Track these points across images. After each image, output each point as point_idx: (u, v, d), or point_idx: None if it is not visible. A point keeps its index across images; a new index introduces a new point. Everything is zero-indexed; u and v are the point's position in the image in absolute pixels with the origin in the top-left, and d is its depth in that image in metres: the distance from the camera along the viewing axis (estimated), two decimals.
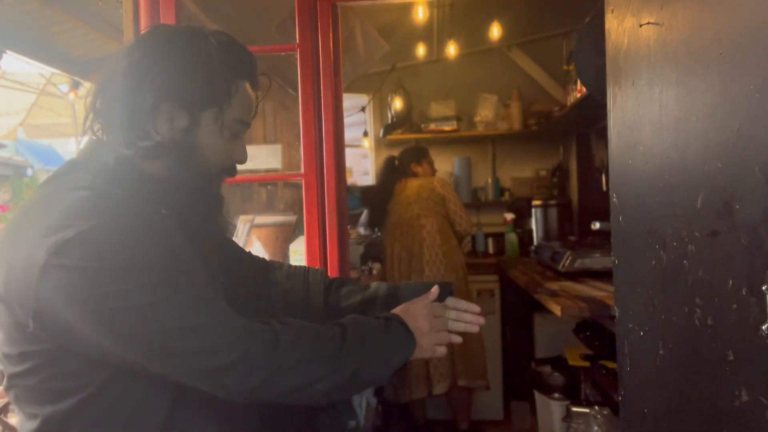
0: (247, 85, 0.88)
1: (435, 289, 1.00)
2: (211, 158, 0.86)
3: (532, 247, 2.99)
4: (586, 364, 2.03)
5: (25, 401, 0.77)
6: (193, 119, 0.83)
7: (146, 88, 0.79)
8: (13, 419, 3.78)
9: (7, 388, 0.78)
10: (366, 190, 3.30)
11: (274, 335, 0.77)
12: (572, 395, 2.29)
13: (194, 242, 0.82)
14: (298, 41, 1.68)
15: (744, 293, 0.59)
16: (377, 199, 3.10)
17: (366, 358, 0.84)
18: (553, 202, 3.52)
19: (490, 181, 3.84)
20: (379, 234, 3.06)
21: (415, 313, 0.94)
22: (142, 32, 0.86)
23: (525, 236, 3.50)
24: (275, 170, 1.93)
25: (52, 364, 0.74)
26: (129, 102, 0.79)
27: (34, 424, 0.75)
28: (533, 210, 3.42)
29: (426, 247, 2.82)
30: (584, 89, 2.60)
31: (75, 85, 5.27)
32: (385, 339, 0.88)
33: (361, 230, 3.17)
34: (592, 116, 3.00)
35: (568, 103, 3.09)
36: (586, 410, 1.86)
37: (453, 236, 2.91)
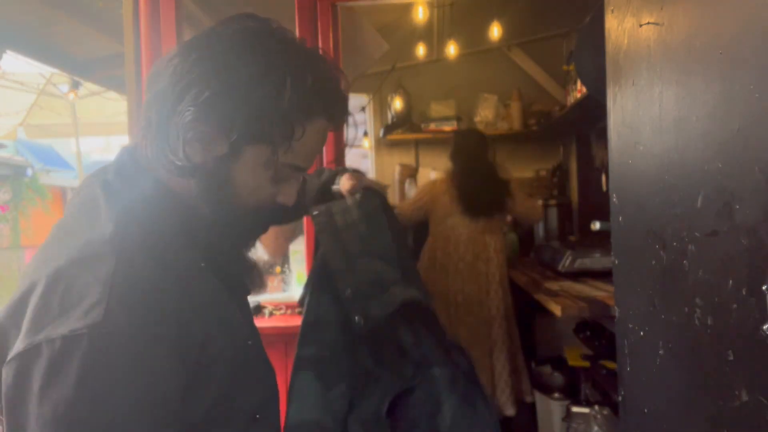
0: (321, 127, 0.72)
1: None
2: (245, 197, 0.71)
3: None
4: (586, 364, 2.03)
5: None
6: (234, 150, 0.67)
7: (186, 102, 0.65)
8: None
9: None
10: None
11: None
12: (572, 395, 2.30)
13: (230, 287, 0.71)
14: None
15: (744, 293, 0.59)
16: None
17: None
18: (553, 202, 3.52)
19: None
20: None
21: None
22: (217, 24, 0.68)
23: (525, 236, 3.50)
24: None
25: None
26: (164, 112, 0.66)
27: None
28: None
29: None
30: (584, 89, 2.60)
31: (75, 85, 5.27)
32: None
33: None
34: (592, 116, 3.00)
35: (568, 103, 3.09)
36: (586, 410, 1.86)
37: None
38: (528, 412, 2.65)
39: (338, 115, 0.73)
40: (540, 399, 2.52)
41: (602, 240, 2.39)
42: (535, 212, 2.88)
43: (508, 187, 2.69)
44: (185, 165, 0.67)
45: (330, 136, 1.66)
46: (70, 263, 0.60)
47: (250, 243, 0.80)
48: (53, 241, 0.67)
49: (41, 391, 0.55)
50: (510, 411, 2.61)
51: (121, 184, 0.69)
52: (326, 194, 1.11)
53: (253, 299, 1.75)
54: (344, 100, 0.73)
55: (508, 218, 2.92)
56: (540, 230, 3.53)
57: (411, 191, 3.60)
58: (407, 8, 3.07)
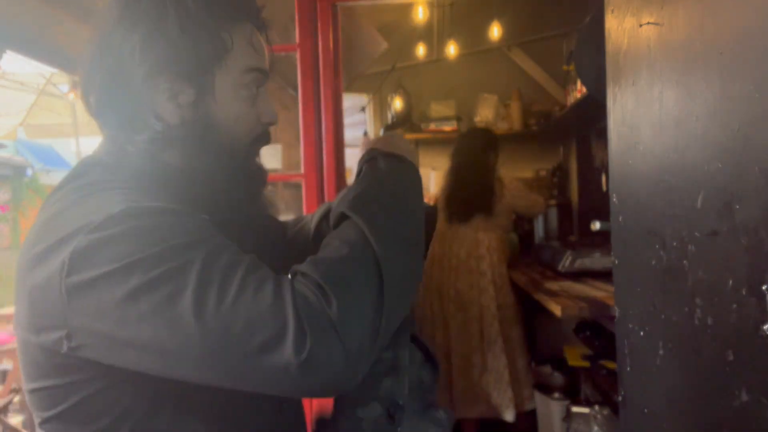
0: (247, 27, 0.71)
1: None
2: (236, 129, 0.70)
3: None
4: (586, 364, 2.03)
5: None
6: (199, 89, 0.67)
7: (128, 68, 0.64)
8: (14, 419, 3.77)
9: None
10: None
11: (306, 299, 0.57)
12: (572, 395, 2.30)
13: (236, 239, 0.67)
14: (298, 41, 1.67)
15: (744, 293, 0.59)
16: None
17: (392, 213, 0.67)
18: (553, 202, 3.52)
19: None
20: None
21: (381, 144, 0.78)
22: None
23: (525, 236, 3.50)
24: (275, 170, 1.93)
25: (82, 395, 0.63)
26: (113, 90, 0.66)
27: None
28: None
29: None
30: (584, 89, 2.60)
31: (75, 85, 5.28)
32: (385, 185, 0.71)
33: None
34: (592, 116, 3.00)
35: (568, 103, 3.09)
36: (586, 410, 1.86)
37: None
38: (528, 412, 2.64)
39: (250, 9, 0.72)
40: (540, 399, 2.52)
41: (602, 240, 2.39)
42: (536, 206, 2.89)
43: (490, 188, 2.69)
44: (157, 133, 0.66)
45: (330, 136, 1.66)
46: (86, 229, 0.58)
47: (262, 181, 0.78)
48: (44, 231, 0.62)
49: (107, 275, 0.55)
50: (509, 416, 2.57)
51: (113, 172, 0.67)
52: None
53: None
54: (243, 6, 0.71)
55: (513, 216, 2.91)
56: (540, 230, 3.53)
57: None
58: (407, 8, 3.07)
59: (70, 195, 0.64)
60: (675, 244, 0.75)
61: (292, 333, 0.53)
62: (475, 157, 2.74)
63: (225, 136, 0.70)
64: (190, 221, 0.60)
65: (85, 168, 0.69)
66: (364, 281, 0.59)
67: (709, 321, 0.68)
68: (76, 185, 0.65)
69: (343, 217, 0.67)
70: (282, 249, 0.94)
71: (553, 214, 3.51)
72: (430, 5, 3.09)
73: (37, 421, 0.67)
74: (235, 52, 0.68)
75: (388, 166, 0.73)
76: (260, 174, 0.77)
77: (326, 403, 0.79)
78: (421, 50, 3.46)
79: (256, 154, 0.76)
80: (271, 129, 0.78)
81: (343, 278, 0.58)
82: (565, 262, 2.16)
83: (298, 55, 1.68)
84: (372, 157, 0.75)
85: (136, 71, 0.64)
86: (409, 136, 3.72)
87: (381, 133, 3.83)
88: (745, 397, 0.60)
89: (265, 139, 0.76)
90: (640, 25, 0.84)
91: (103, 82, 0.67)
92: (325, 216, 0.91)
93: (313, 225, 0.95)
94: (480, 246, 2.71)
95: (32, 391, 0.65)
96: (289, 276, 0.59)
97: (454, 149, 2.85)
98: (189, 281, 0.54)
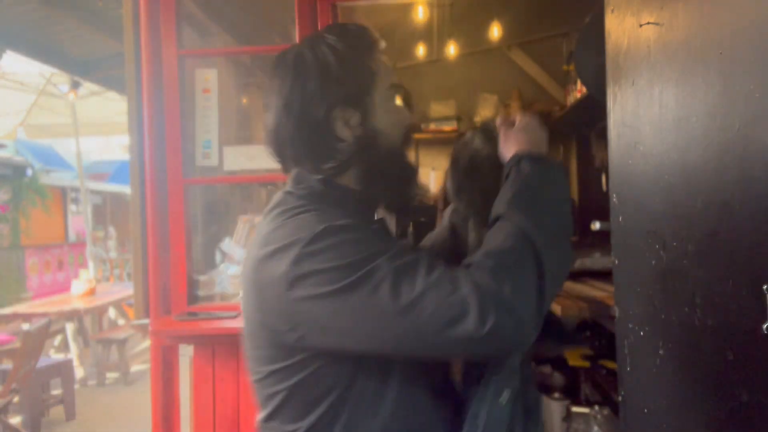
0: (379, 54, 0.91)
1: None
2: (392, 133, 0.89)
3: None
4: (586, 364, 2.03)
5: (282, 420, 0.82)
6: (363, 109, 0.86)
7: (312, 111, 0.84)
8: (13, 419, 3.76)
9: (265, 419, 0.83)
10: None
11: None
12: (572, 395, 2.29)
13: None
14: (298, 41, 1.68)
15: (744, 293, 0.60)
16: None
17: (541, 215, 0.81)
18: None
19: None
20: None
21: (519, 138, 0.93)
22: (276, 68, 0.89)
23: None
24: (275, 170, 1.92)
25: (307, 374, 0.78)
26: (304, 131, 0.85)
27: None
28: None
29: None
30: (584, 89, 2.60)
31: (75, 85, 5.28)
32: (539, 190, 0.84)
33: None
34: (592, 116, 3.00)
35: (568, 103, 3.09)
36: (586, 410, 1.86)
37: None
38: None
39: (374, 42, 0.90)
40: None
41: (602, 240, 2.39)
42: None
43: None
44: (340, 163, 0.85)
45: None
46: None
47: (416, 173, 0.94)
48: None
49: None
50: None
51: (301, 198, 0.85)
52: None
53: None
54: (368, 32, 0.90)
55: None
56: None
57: None
58: (407, 8, 3.07)
59: (276, 219, 0.82)
60: (675, 244, 0.75)
61: (474, 311, 0.69)
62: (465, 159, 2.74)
63: (386, 140, 0.88)
64: (373, 233, 0.80)
65: (282, 198, 0.88)
66: (528, 267, 0.75)
67: (709, 321, 0.68)
68: (278, 212, 0.84)
69: (499, 218, 0.82)
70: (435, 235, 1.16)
71: None
72: (430, 5, 3.09)
73: (261, 401, 0.84)
74: (380, 74, 0.88)
75: (532, 168, 0.87)
76: (414, 170, 0.95)
77: None
78: (421, 50, 3.46)
79: (408, 151, 0.95)
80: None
81: (510, 266, 0.74)
82: None
83: None
84: (517, 161, 0.89)
85: (318, 111, 0.84)
86: None
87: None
88: (745, 397, 0.60)
89: (409, 138, 0.94)
90: (640, 25, 0.84)
91: (296, 127, 0.85)
92: (455, 210, 1.14)
93: (446, 218, 1.17)
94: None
95: (264, 377, 0.81)
96: (464, 266, 0.76)
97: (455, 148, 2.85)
98: (385, 278, 0.72)
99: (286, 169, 0.92)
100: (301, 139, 0.85)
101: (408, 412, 0.82)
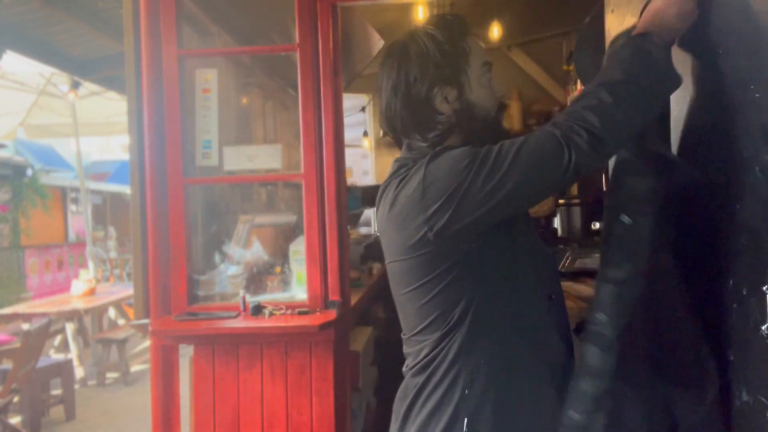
0: (470, 38, 1.03)
1: None
2: (487, 105, 1.01)
3: None
4: None
5: (421, 333, 0.95)
6: (459, 86, 0.99)
7: (415, 91, 0.99)
8: (13, 419, 3.75)
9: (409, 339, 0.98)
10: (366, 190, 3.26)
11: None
12: None
13: None
14: (298, 41, 1.67)
15: (744, 293, 0.59)
16: None
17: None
18: (562, 201, 3.51)
19: None
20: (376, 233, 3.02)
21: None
22: (385, 58, 1.04)
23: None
24: (275, 170, 1.92)
25: (448, 283, 0.91)
26: (409, 108, 0.99)
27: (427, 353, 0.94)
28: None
29: None
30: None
31: (75, 85, 5.27)
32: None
33: (362, 230, 3.16)
34: None
35: (568, 103, 3.08)
36: None
37: None
38: None
39: (467, 26, 1.03)
40: None
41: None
42: (544, 205, 2.90)
43: None
44: (442, 131, 0.99)
45: (330, 136, 1.66)
46: None
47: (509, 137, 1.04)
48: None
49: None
50: None
51: (416, 161, 0.97)
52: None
53: (253, 299, 1.75)
54: (461, 18, 1.04)
55: None
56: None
57: None
58: (407, 8, 3.07)
59: (395, 180, 0.97)
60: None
61: (566, 151, 0.83)
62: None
63: (481, 111, 1.01)
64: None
65: (397, 164, 1.02)
66: (605, 116, 0.83)
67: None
68: (397, 177, 0.98)
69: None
70: None
71: (565, 213, 3.49)
72: (430, 5, 3.09)
73: (406, 316, 0.99)
74: (473, 54, 1.00)
75: (623, 52, 0.90)
76: (507, 134, 1.03)
77: None
78: None
79: (502, 119, 1.07)
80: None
81: (588, 117, 0.84)
82: (565, 262, 2.16)
83: (298, 55, 1.68)
84: (616, 40, 0.93)
85: (420, 90, 0.98)
86: None
87: (381, 133, 3.83)
88: (745, 397, 0.60)
89: (503, 108, 1.06)
90: None
91: (402, 105, 1.00)
92: None
93: None
94: None
95: (408, 292, 0.96)
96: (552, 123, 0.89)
97: None
98: (503, 157, 0.87)
99: (398, 142, 1.06)
100: (408, 115, 1.00)
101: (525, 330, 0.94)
